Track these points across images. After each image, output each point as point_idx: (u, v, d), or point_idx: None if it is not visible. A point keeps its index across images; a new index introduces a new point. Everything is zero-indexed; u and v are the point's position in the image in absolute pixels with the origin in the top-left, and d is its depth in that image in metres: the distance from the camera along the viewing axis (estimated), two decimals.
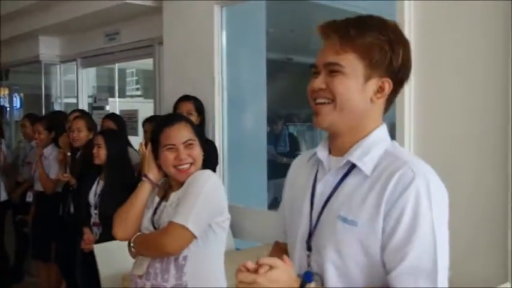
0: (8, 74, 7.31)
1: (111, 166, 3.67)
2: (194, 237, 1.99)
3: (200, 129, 3.86)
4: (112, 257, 3.29)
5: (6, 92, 8.99)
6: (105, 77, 6.53)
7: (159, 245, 2.03)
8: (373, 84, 1.23)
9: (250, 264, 1.18)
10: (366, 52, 1.21)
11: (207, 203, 2.02)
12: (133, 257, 2.23)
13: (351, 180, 1.24)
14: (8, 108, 8.55)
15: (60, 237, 4.48)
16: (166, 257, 2.05)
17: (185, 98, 3.91)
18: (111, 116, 4.64)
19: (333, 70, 1.23)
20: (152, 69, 4.94)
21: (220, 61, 3.99)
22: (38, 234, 4.79)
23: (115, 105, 5.64)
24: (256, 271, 1.16)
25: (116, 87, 5.71)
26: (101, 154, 3.65)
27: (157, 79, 4.71)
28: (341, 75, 1.22)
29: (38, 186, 4.89)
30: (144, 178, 2.19)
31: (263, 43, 4.32)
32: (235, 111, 4.09)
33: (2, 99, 9.43)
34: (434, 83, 2.63)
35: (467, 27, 2.51)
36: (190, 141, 2.11)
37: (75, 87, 6.19)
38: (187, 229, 1.95)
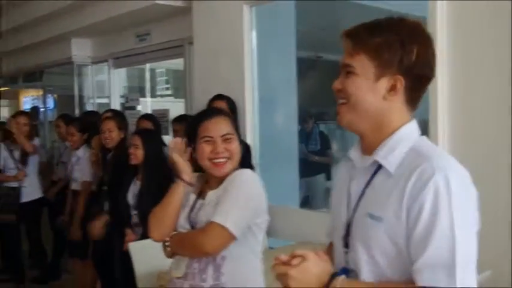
0: (42, 76, 7.45)
1: (148, 166, 3.71)
2: (234, 238, 1.95)
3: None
4: (147, 255, 3.33)
5: (41, 93, 9.19)
6: (135, 77, 6.61)
7: (197, 245, 2.01)
8: (385, 82, 1.26)
9: (284, 257, 1.27)
10: (376, 52, 1.26)
11: (247, 204, 1.99)
12: (169, 257, 2.19)
13: (378, 178, 1.29)
14: (42, 109, 8.73)
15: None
16: (205, 257, 2.02)
17: (218, 97, 3.93)
18: (147, 116, 4.70)
19: (348, 71, 1.30)
20: (182, 69, 4.99)
21: (250, 60, 4.01)
22: (82, 233, 4.88)
23: (146, 105, 5.70)
24: (289, 263, 1.25)
25: (148, 87, 5.78)
26: (138, 154, 3.69)
27: (187, 79, 4.74)
28: (354, 75, 1.28)
29: (74, 186, 5.00)
30: (177, 179, 2.15)
31: (293, 41, 4.32)
32: (266, 110, 4.11)
33: (36, 100, 9.63)
34: (468, 80, 2.61)
35: (501, 25, 2.47)
36: (229, 136, 2.05)
37: (107, 87, 6.29)
38: (227, 229, 1.92)
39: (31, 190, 5.46)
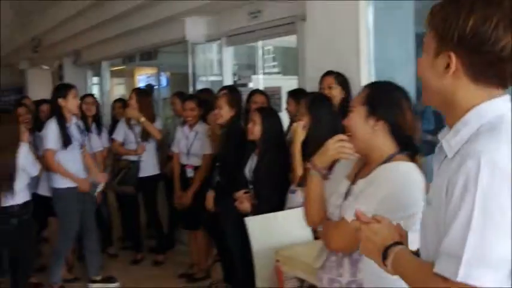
0: (156, 55, 7.74)
1: (265, 142, 3.77)
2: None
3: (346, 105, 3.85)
4: (264, 230, 3.40)
5: (154, 71, 9.57)
6: (244, 55, 6.68)
7: (326, 238, 2.01)
8: (442, 59, 1.19)
9: (364, 217, 1.43)
10: (436, 26, 1.20)
11: (388, 208, 1.78)
12: None
13: (444, 162, 1.24)
14: (155, 87, 9.10)
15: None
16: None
17: (327, 73, 3.91)
18: (262, 92, 4.77)
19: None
20: (291, 46, 4.95)
21: (366, 36, 3.90)
22: (190, 206, 5.08)
23: (258, 82, 5.75)
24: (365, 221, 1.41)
25: (260, 64, 5.82)
26: (255, 130, 3.76)
27: (300, 55, 4.71)
28: (423, 52, 1.25)
29: (192, 160, 5.17)
30: (312, 169, 2.08)
31: (410, 16, 4.15)
32: None
33: (150, 78, 10.06)
34: None
35: None
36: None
37: (219, 65, 6.41)
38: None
39: (149, 165, 5.74)
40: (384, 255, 1.33)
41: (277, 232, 3.37)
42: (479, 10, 1.13)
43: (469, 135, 1.16)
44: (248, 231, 3.38)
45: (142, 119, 5.42)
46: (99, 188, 5.09)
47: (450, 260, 1.10)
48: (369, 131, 1.93)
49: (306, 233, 3.36)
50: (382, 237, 1.36)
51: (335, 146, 2.01)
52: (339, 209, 1.98)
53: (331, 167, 2.11)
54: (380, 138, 1.93)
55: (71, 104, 4.81)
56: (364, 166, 2.00)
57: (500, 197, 1.06)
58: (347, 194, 1.98)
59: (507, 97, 1.20)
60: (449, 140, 1.20)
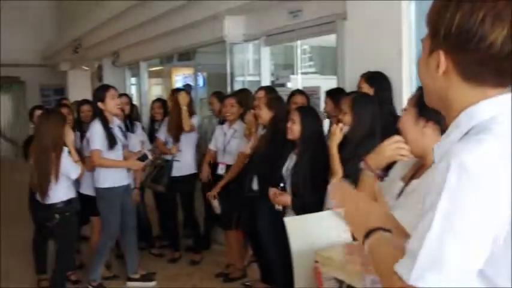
0: (194, 55, 7.78)
1: (304, 142, 3.76)
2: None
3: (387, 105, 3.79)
4: (303, 230, 3.37)
5: (191, 71, 9.63)
6: (279, 55, 6.66)
7: None
8: (434, 58, 1.10)
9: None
10: (430, 22, 1.11)
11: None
12: None
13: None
14: (192, 87, 9.16)
15: (247, 208, 4.71)
16: None
17: (363, 75, 3.86)
18: (302, 92, 4.74)
19: None
20: (328, 46, 4.90)
21: (408, 35, 3.84)
22: (227, 205, 5.09)
23: (296, 82, 5.72)
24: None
25: (298, 64, 5.78)
26: (294, 129, 3.75)
27: (339, 55, 4.66)
28: (422, 53, 1.16)
29: (227, 158, 5.18)
30: (365, 169, 2.04)
31: None
32: None
33: (187, 78, 10.13)
34: None
35: None
36: None
37: (255, 65, 6.40)
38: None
39: (186, 165, 5.76)
40: (366, 236, 1.29)
41: (316, 233, 3.33)
42: (466, 5, 1.04)
43: (458, 138, 1.09)
44: (287, 231, 3.34)
45: (184, 108, 5.44)
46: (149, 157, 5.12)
47: (408, 261, 1.05)
48: (419, 132, 1.90)
49: (345, 234, 3.31)
50: (372, 218, 1.32)
51: (391, 147, 1.98)
52: (390, 210, 1.94)
53: (386, 168, 2.07)
54: (431, 140, 1.87)
55: (109, 106, 4.85)
56: (420, 168, 1.96)
57: (464, 202, 0.99)
58: (399, 194, 1.95)
59: (505, 96, 1.09)
60: (439, 143, 1.14)
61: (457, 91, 1.10)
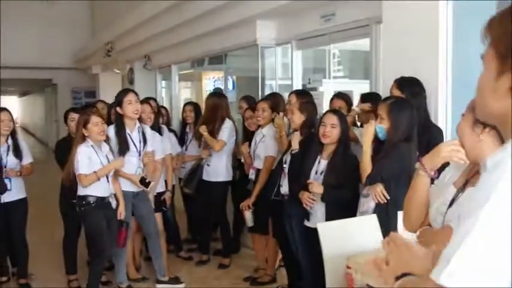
0: (225, 58, 7.79)
1: (341, 146, 3.76)
2: None
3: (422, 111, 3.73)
4: (336, 236, 3.33)
5: (221, 75, 9.63)
6: (309, 58, 6.60)
7: (426, 245, 1.84)
8: (505, 79, 1.02)
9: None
10: (497, 42, 1.03)
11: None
12: None
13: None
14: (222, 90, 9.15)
15: (278, 212, 4.68)
16: None
17: (395, 80, 3.78)
18: (340, 96, 4.71)
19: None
20: (358, 49, 4.83)
21: (445, 38, 3.76)
22: (257, 209, 5.06)
23: (328, 86, 5.67)
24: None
25: (331, 68, 5.73)
26: (333, 133, 3.75)
27: (374, 59, 4.61)
28: (484, 69, 1.09)
29: (256, 163, 5.16)
30: (420, 169, 2.01)
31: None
32: (462, 91, 3.83)
33: (216, 82, 10.14)
34: None
35: None
36: None
37: (285, 68, 6.37)
38: None
39: (219, 169, 5.74)
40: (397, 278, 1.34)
41: (348, 238, 3.30)
42: None
43: None
44: (319, 236, 3.31)
45: (205, 133, 5.40)
46: (150, 185, 4.98)
47: (441, 264, 1.03)
48: (475, 138, 1.86)
49: (376, 239, 3.26)
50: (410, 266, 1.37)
51: (448, 148, 1.96)
52: (442, 216, 1.91)
53: (439, 170, 2.05)
54: (488, 146, 1.83)
55: (126, 110, 4.82)
56: (474, 174, 1.90)
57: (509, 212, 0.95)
58: (453, 201, 1.90)
59: None
60: (493, 155, 1.08)
61: None
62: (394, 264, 1.39)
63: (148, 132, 5.07)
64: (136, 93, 4.95)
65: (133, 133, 4.90)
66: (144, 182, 4.84)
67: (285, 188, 4.45)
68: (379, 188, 3.42)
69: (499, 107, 1.06)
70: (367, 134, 3.49)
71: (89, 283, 4.71)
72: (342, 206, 3.72)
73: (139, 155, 4.92)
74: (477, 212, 0.99)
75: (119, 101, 4.85)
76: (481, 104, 1.12)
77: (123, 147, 4.80)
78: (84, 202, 4.50)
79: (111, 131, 4.83)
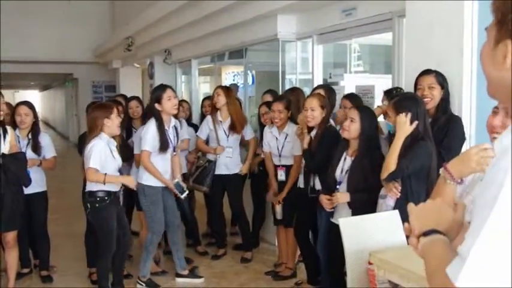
0: (246, 53, 7.77)
1: (363, 141, 3.70)
2: None
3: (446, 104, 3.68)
4: (358, 232, 3.31)
5: (241, 69, 9.62)
6: (328, 53, 6.56)
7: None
8: (501, 48, 1.03)
9: None
10: (495, 9, 1.04)
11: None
12: None
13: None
14: (241, 85, 9.14)
15: (302, 207, 4.66)
16: None
17: (426, 72, 3.74)
18: (351, 97, 4.67)
19: None
20: (378, 44, 4.78)
21: (470, 30, 3.70)
22: (283, 202, 5.05)
23: (349, 80, 5.63)
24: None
25: (352, 63, 5.69)
26: (352, 128, 3.69)
27: (396, 54, 4.55)
28: (486, 41, 1.09)
29: (284, 161, 5.13)
30: (447, 177, 1.88)
31: None
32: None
33: (236, 76, 10.13)
34: None
35: None
36: None
37: (305, 63, 6.34)
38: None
39: (233, 163, 5.75)
40: (423, 235, 1.28)
41: (370, 234, 3.27)
42: None
43: None
44: (341, 232, 3.29)
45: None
46: (185, 194, 5.08)
47: (458, 262, 1.01)
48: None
49: (398, 236, 3.24)
50: (437, 220, 1.31)
51: (477, 156, 1.85)
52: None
53: None
54: None
55: (166, 106, 4.84)
56: None
57: None
58: None
59: None
60: (501, 137, 1.06)
61: None
62: (415, 221, 1.33)
63: (178, 128, 5.13)
64: (173, 89, 5.00)
65: (169, 129, 4.94)
66: (179, 188, 4.95)
67: (318, 185, 4.43)
68: (392, 184, 3.39)
69: (498, 76, 1.06)
70: (403, 128, 3.33)
71: (98, 277, 4.75)
72: (369, 207, 3.68)
73: (173, 150, 4.97)
74: (486, 212, 0.97)
75: (157, 97, 4.85)
76: (487, 78, 1.12)
77: (164, 145, 4.83)
78: (98, 198, 4.45)
79: (151, 127, 4.81)
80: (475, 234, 0.98)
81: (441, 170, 1.94)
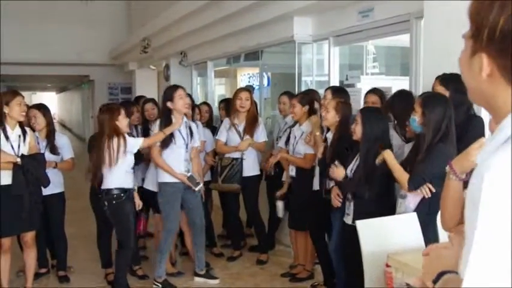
0: (262, 55, 7.77)
1: (365, 143, 3.71)
2: None
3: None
4: (375, 234, 3.30)
5: (256, 71, 9.63)
6: (344, 55, 6.55)
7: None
8: (477, 59, 1.01)
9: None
10: (471, 21, 1.02)
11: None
12: None
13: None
14: (257, 87, 9.16)
15: (317, 209, 4.66)
16: None
17: (438, 77, 3.72)
18: (376, 91, 4.65)
19: None
20: (395, 46, 4.75)
21: None
22: (296, 205, 5.05)
23: (366, 82, 5.60)
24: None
25: (370, 64, 5.67)
26: (356, 130, 3.73)
27: (414, 55, 4.53)
28: (464, 47, 1.07)
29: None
30: (450, 173, 1.95)
31: None
32: None
33: (251, 78, 10.15)
34: None
35: None
36: None
37: (321, 65, 6.33)
38: None
39: (251, 164, 5.75)
40: (435, 281, 1.30)
41: (388, 236, 3.26)
42: (510, 8, 0.94)
43: (499, 144, 0.99)
44: (359, 234, 3.29)
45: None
46: (199, 186, 5.11)
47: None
48: None
49: (416, 238, 3.23)
50: (430, 270, 1.34)
51: (478, 151, 1.87)
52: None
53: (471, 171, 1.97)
54: None
55: (177, 105, 4.94)
56: None
57: (500, 219, 0.92)
58: None
59: None
60: (484, 147, 1.04)
61: (502, 94, 1.01)
62: (428, 267, 1.37)
63: (191, 127, 5.20)
64: (184, 89, 5.13)
65: (181, 127, 5.03)
66: (193, 181, 4.98)
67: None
68: (426, 185, 3.37)
69: (475, 86, 1.06)
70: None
71: (116, 276, 4.79)
72: (372, 205, 3.68)
73: (187, 147, 5.06)
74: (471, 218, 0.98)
75: (169, 96, 4.97)
76: (467, 87, 1.11)
77: (166, 142, 4.94)
78: (114, 195, 4.60)
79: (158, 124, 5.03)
80: (469, 251, 0.97)
81: (447, 167, 1.96)
